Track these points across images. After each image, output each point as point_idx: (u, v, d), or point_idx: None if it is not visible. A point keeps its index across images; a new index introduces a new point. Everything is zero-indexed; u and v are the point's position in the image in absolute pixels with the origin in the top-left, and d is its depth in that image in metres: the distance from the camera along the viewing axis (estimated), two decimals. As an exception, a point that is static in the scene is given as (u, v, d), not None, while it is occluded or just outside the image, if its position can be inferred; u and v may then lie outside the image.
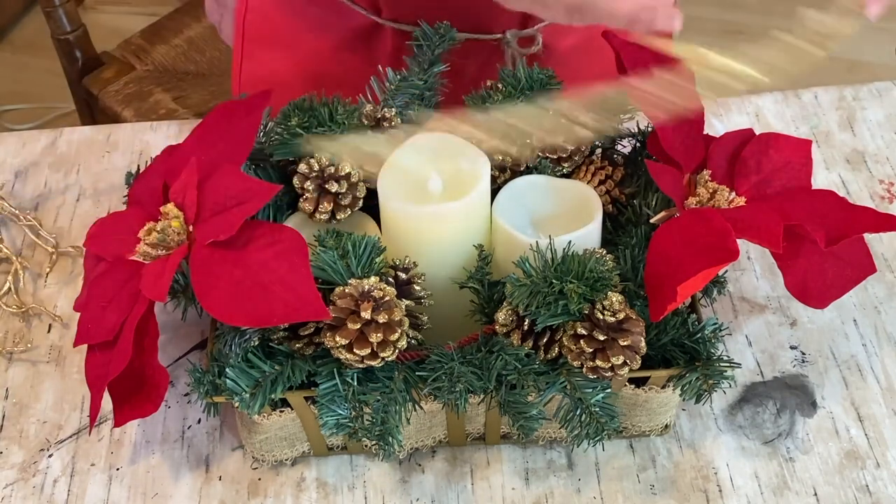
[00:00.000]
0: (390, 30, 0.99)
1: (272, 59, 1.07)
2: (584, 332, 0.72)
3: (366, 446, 0.79)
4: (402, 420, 0.74)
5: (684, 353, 0.77)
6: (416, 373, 0.74)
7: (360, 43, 1.01)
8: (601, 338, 0.71)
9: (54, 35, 1.59)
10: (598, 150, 0.88)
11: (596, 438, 0.75)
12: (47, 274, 0.97)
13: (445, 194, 0.77)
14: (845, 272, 0.82)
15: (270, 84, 1.07)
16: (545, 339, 0.74)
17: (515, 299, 0.73)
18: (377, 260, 0.74)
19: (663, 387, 0.79)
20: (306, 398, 0.76)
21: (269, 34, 1.06)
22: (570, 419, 0.74)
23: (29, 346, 0.91)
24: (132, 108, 1.60)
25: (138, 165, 0.87)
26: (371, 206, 0.81)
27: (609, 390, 0.74)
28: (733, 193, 0.80)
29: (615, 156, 0.88)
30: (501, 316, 0.74)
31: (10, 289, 0.95)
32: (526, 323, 0.73)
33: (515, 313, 0.74)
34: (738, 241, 0.71)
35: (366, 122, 0.82)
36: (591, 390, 0.74)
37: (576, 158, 0.84)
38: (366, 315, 0.70)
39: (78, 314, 0.78)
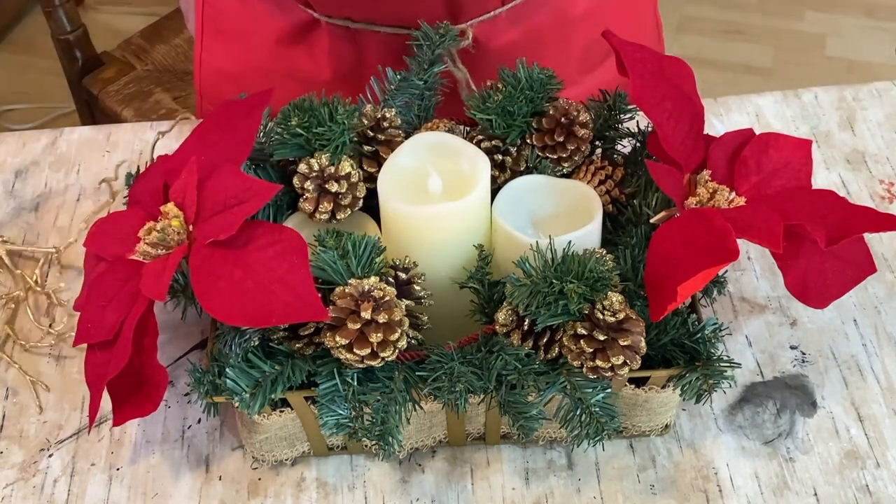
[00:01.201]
0: (325, 25, 0.99)
1: (226, 51, 1.07)
2: (584, 332, 0.72)
3: (366, 446, 0.79)
4: (402, 420, 0.74)
5: (684, 353, 0.77)
6: (416, 373, 0.74)
7: (300, 38, 1.01)
8: (601, 338, 0.71)
9: (54, 35, 1.59)
10: (598, 150, 0.88)
11: (596, 438, 0.75)
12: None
13: (445, 194, 0.77)
14: (845, 272, 0.82)
15: (225, 76, 1.08)
16: (545, 339, 0.74)
17: (515, 299, 0.73)
18: (377, 260, 0.74)
19: (663, 387, 0.79)
20: (306, 398, 0.76)
21: (224, 26, 1.06)
22: (570, 419, 0.74)
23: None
24: (132, 108, 1.60)
25: (138, 165, 0.87)
26: (371, 206, 0.81)
27: (609, 390, 0.74)
28: (733, 193, 0.80)
29: (615, 156, 0.88)
30: (501, 316, 0.74)
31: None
32: (526, 323, 0.73)
33: (515, 313, 0.74)
34: (738, 241, 0.71)
35: (366, 121, 0.82)
36: (591, 390, 0.74)
37: (576, 158, 0.84)
38: (366, 315, 0.70)
39: (78, 314, 0.78)
